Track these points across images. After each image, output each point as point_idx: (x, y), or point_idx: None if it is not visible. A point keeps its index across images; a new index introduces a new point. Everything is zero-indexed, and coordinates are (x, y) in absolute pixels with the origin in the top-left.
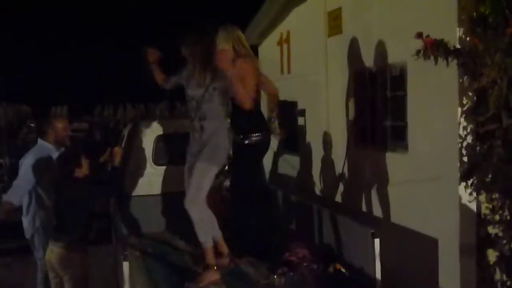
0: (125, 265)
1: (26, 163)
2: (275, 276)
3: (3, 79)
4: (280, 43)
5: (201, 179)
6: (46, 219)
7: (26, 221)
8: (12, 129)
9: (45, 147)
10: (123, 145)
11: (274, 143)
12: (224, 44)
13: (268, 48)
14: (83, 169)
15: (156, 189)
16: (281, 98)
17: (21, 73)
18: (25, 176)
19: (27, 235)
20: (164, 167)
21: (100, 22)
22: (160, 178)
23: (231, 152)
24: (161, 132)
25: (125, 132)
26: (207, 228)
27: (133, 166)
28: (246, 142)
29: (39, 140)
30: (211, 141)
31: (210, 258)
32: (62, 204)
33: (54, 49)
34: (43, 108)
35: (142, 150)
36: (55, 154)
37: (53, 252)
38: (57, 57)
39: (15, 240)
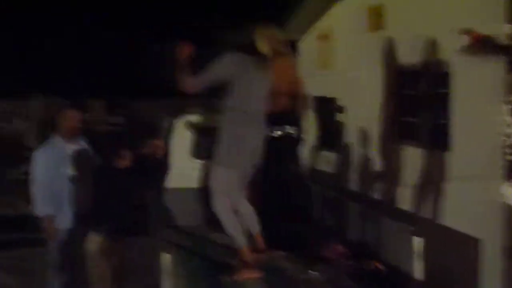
0: (164, 257)
1: (37, 159)
2: (312, 272)
3: (41, 71)
4: (320, 38)
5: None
6: (62, 213)
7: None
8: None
9: (56, 141)
10: (163, 139)
11: (312, 139)
12: (261, 43)
13: (309, 44)
14: (124, 160)
15: (195, 182)
16: (321, 94)
17: (58, 65)
18: (38, 175)
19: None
20: (202, 161)
21: (139, 15)
22: (198, 172)
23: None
24: (200, 126)
25: (165, 126)
26: (237, 228)
27: (172, 159)
28: (273, 135)
29: (53, 134)
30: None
31: (248, 256)
32: (103, 195)
33: (92, 41)
34: (80, 100)
35: (181, 143)
36: (65, 148)
37: (93, 242)
38: (95, 49)
39: (26, 232)
